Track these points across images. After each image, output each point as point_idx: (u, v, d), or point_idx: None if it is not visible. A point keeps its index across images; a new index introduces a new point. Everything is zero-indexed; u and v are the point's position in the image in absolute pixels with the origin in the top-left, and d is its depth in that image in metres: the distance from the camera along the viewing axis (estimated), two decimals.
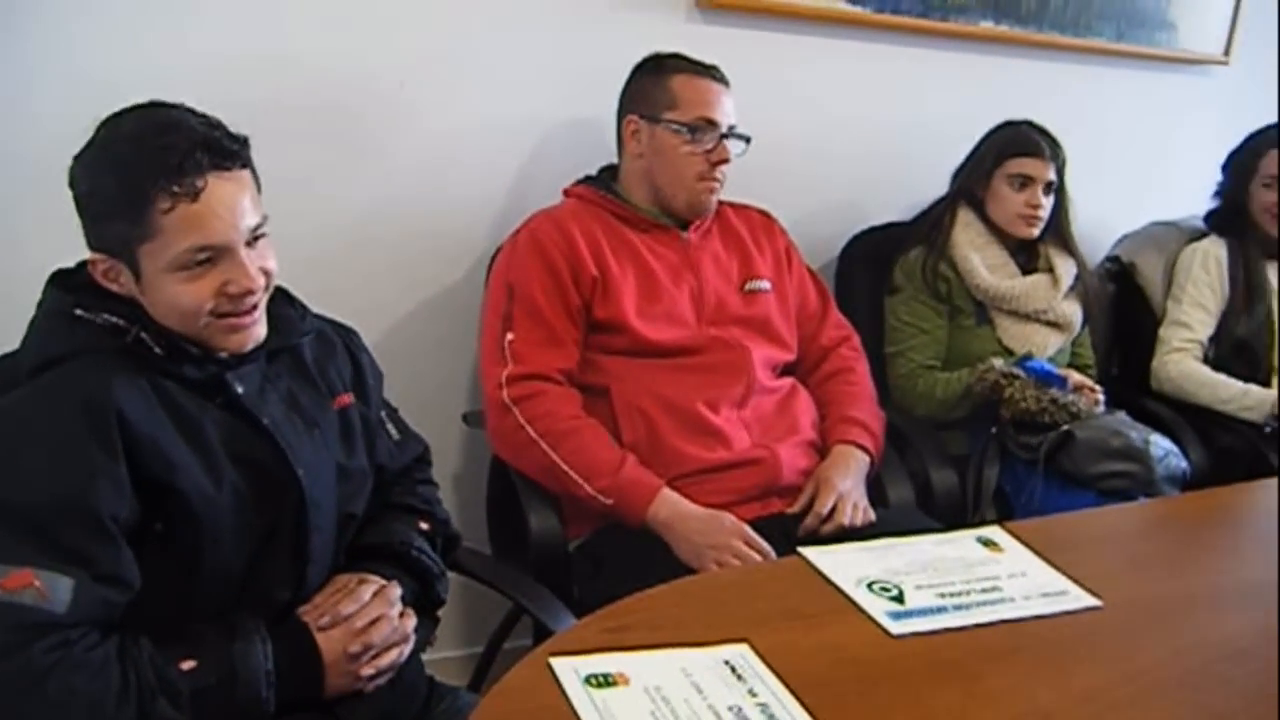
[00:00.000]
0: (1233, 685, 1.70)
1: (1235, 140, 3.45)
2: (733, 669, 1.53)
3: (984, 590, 1.85)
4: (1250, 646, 1.83)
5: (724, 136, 2.56)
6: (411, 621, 1.80)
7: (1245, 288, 3.35)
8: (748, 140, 2.60)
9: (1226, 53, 3.81)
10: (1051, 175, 3.02)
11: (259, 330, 1.68)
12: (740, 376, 2.53)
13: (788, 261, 2.76)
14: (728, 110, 2.57)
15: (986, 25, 3.31)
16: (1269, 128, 3.40)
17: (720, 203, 2.66)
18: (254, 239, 1.64)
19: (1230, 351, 3.35)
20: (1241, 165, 3.41)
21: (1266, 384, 3.30)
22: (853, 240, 3.21)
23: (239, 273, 1.61)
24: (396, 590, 1.79)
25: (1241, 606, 1.98)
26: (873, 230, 3.23)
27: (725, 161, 2.57)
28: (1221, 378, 3.27)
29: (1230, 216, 3.43)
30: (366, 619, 1.72)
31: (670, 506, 2.30)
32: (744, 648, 1.58)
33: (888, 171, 3.32)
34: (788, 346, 2.68)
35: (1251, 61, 3.83)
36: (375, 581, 1.78)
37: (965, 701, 1.56)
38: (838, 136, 3.23)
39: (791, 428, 2.56)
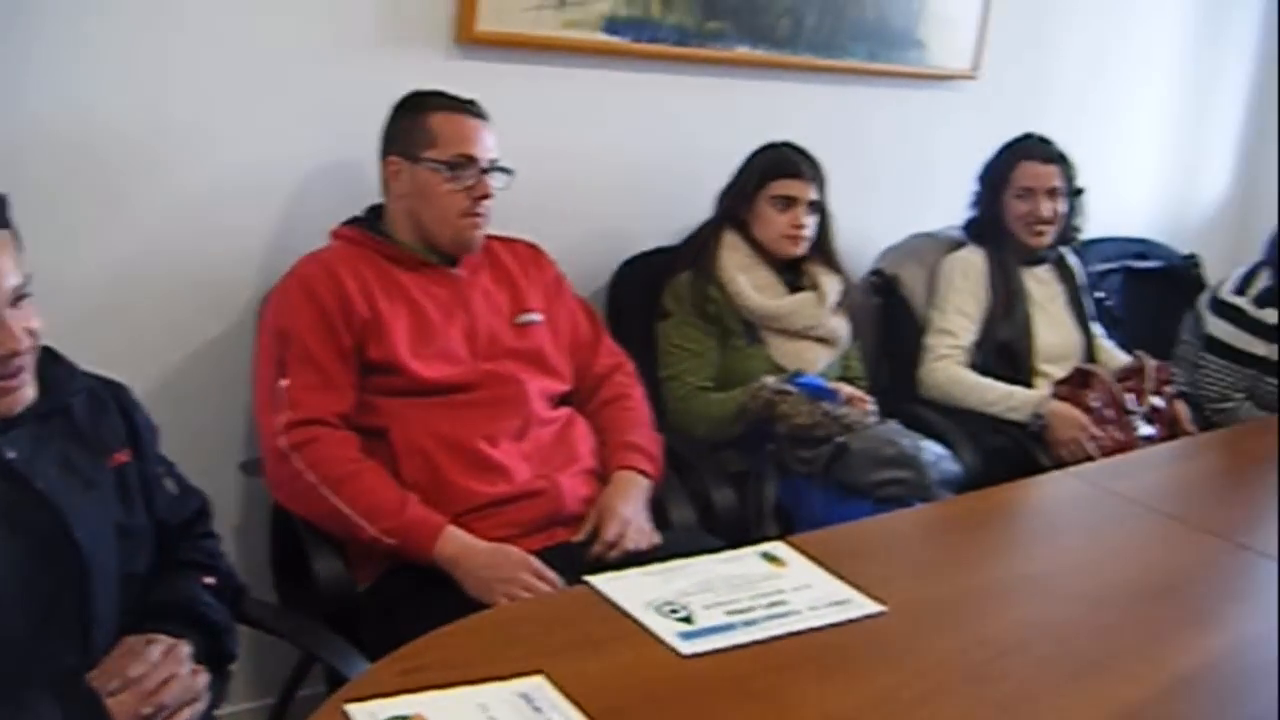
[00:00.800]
0: (1015, 677, 1.88)
1: (988, 152, 3.68)
2: (529, 701, 1.60)
3: (770, 605, 1.97)
4: (1030, 638, 2.02)
5: (485, 171, 2.64)
6: (203, 678, 1.82)
7: (1004, 293, 3.58)
8: (510, 173, 2.69)
9: (975, 68, 4.05)
10: (813, 194, 3.19)
11: (28, 393, 1.70)
12: (517, 409, 2.63)
13: (557, 292, 2.87)
14: (488, 145, 2.65)
15: (743, 50, 3.47)
16: (1020, 139, 3.66)
17: (488, 237, 2.74)
18: (17, 300, 1.66)
19: (993, 355, 3.58)
20: (995, 176, 3.66)
21: (1029, 385, 3.53)
22: (622, 267, 3.33)
23: (3, 335, 1.63)
24: (186, 648, 1.81)
25: (1020, 600, 2.17)
26: (641, 256, 3.36)
27: (488, 197, 2.65)
28: (986, 381, 3.48)
29: (987, 226, 3.67)
30: (157, 680, 1.74)
31: (456, 543, 2.37)
32: (539, 679, 1.65)
33: (654, 197, 3.45)
34: (562, 377, 2.78)
35: (998, 76, 4.10)
36: (164, 641, 1.79)
37: (759, 715, 1.68)
38: (602, 165, 3.34)
39: (571, 457, 2.66)
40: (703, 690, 1.73)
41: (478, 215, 2.65)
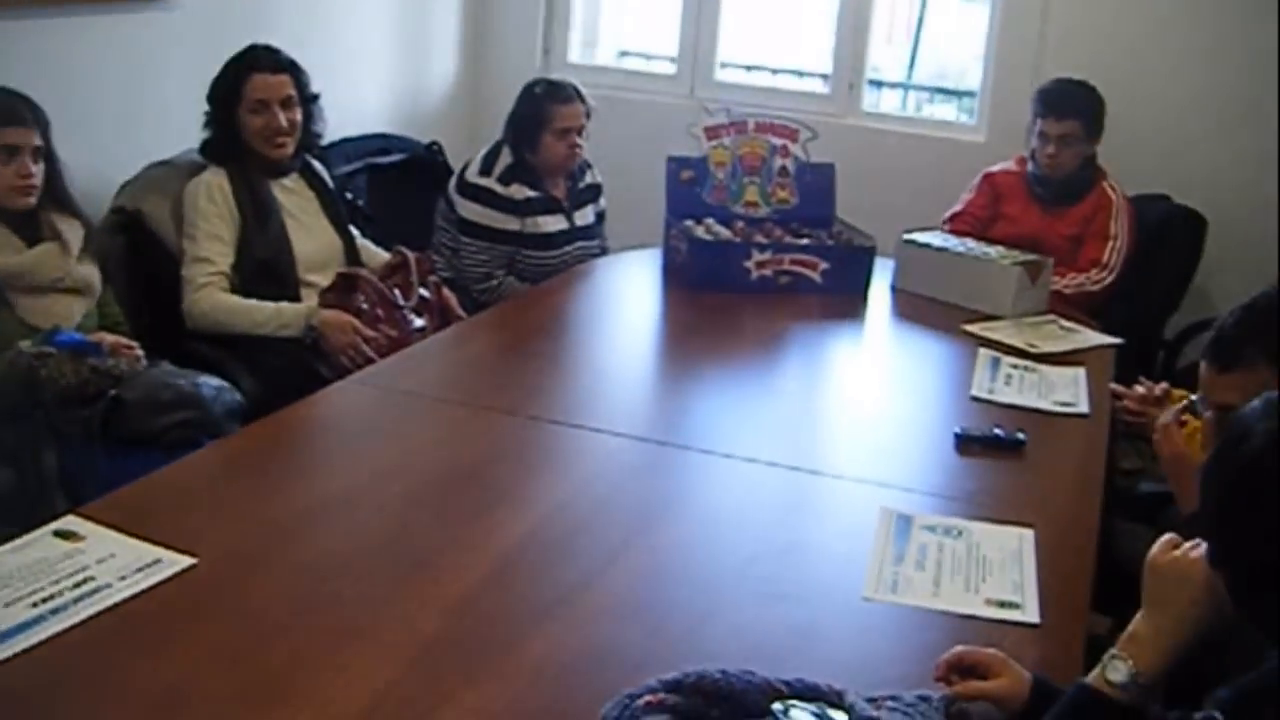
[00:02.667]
0: (345, 598, 2.02)
1: (213, 70, 3.67)
2: None
3: (77, 585, 1.95)
4: (352, 555, 2.18)
5: None
6: None
7: (254, 210, 3.65)
8: None
9: None
10: (36, 140, 3.10)
11: None
12: None
13: None
14: None
15: None
16: (246, 52, 3.69)
17: None
18: None
19: (255, 275, 3.66)
20: (225, 93, 3.69)
21: (297, 299, 3.61)
22: None
23: None
24: None
25: (332, 520, 2.31)
26: None
27: None
28: (253, 303, 3.57)
29: (225, 144, 3.71)
30: None
31: None
32: None
33: None
34: None
35: None
36: None
37: (96, 701, 1.69)
38: None
39: None
40: (31, 692, 1.70)
41: None
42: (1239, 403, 2.09)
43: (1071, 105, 4.43)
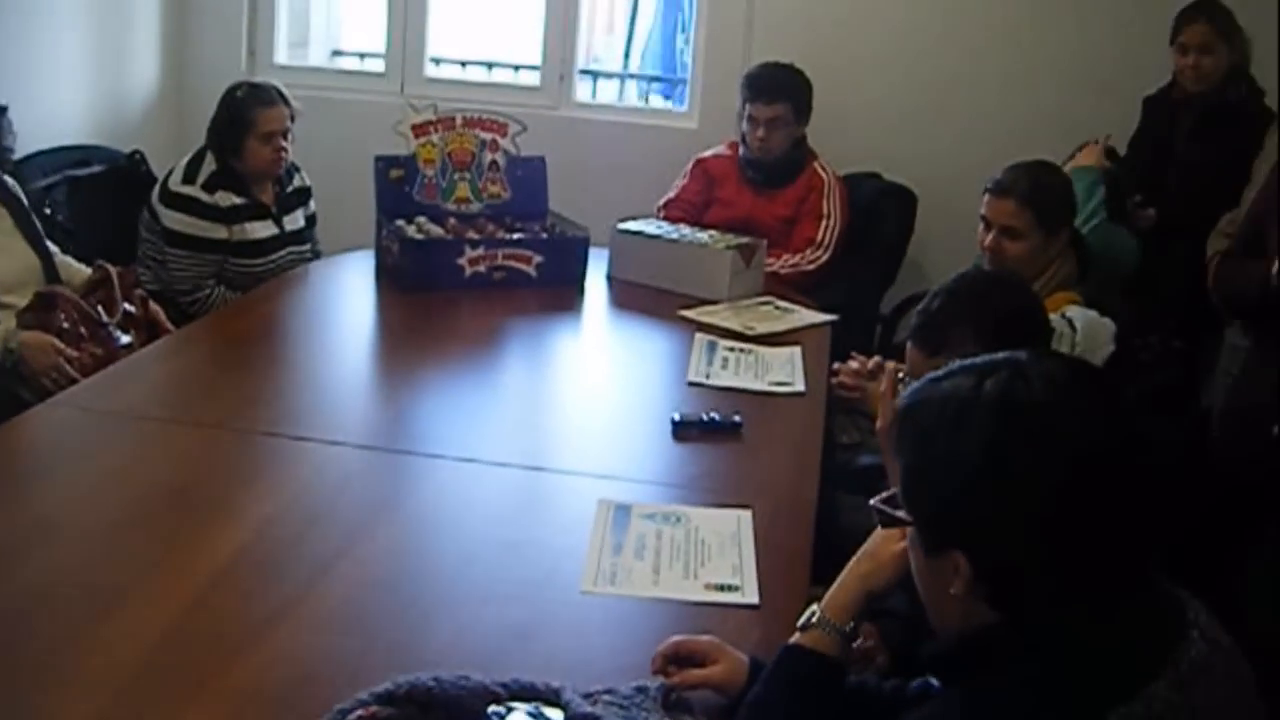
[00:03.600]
0: (44, 633, 1.93)
1: None
2: None
3: None
4: (54, 586, 2.07)
5: None
6: None
7: None
8: None
9: None
10: None
11: None
12: None
13: None
14: None
15: None
16: None
17: None
18: None
19: None
20: None
21: None
22: None
23: None
24: None
25: (33, 551, 2.23)
26: None
27: None
28: None
29: None
30: None
31: None
32: None
33: None
34: None
35: None
36: None
37: None
38: None
39: None
40: None
41: None
42: None
43: (779, 89, 4.53)
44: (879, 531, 1.75)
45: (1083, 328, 2.47)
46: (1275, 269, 2.52)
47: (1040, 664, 1.42)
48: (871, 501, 1.63)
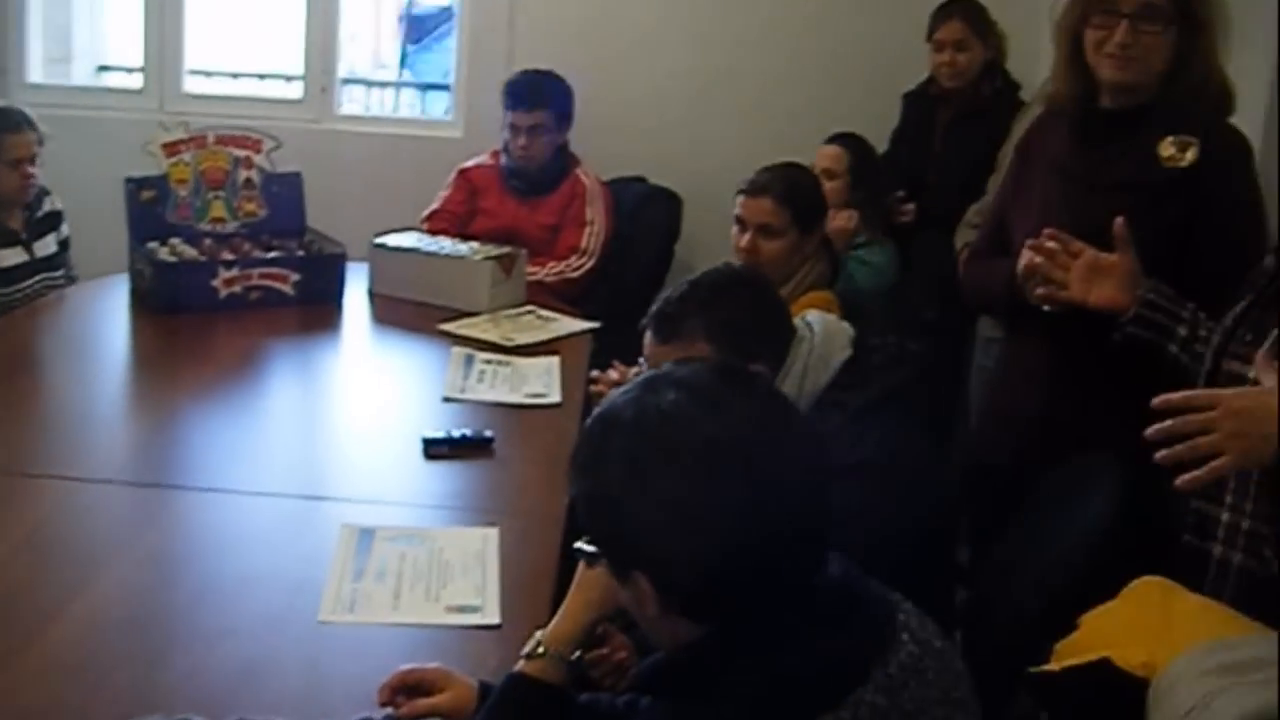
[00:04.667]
0: None
1: None
2: None
3: None
4: None
5: None
6: None
7: None
8: None
9: None
10: None
11: None
12: None
13: None
14: None
15: None
16: None
17: None
18: None
19: None
20: None
21: None
22: None
23: None
24: None
25: None
26: None
27: None
28: None
29: None
30: None
31: None
32: None
33: None
34: None
35: None
36: None
37: None
38: None
39: None
40: None
41: None
42: None
43: (539, 96, 4.53)
44: None
45: (820, 331, 2.50)
46: (1019, 266, 2.59)
47: (744, 675, 1.44)
48: (575, 544, 1.63)
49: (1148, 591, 1.90)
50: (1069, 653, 1.84)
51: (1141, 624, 1.81)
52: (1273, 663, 1.59)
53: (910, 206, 4.50)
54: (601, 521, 1.51)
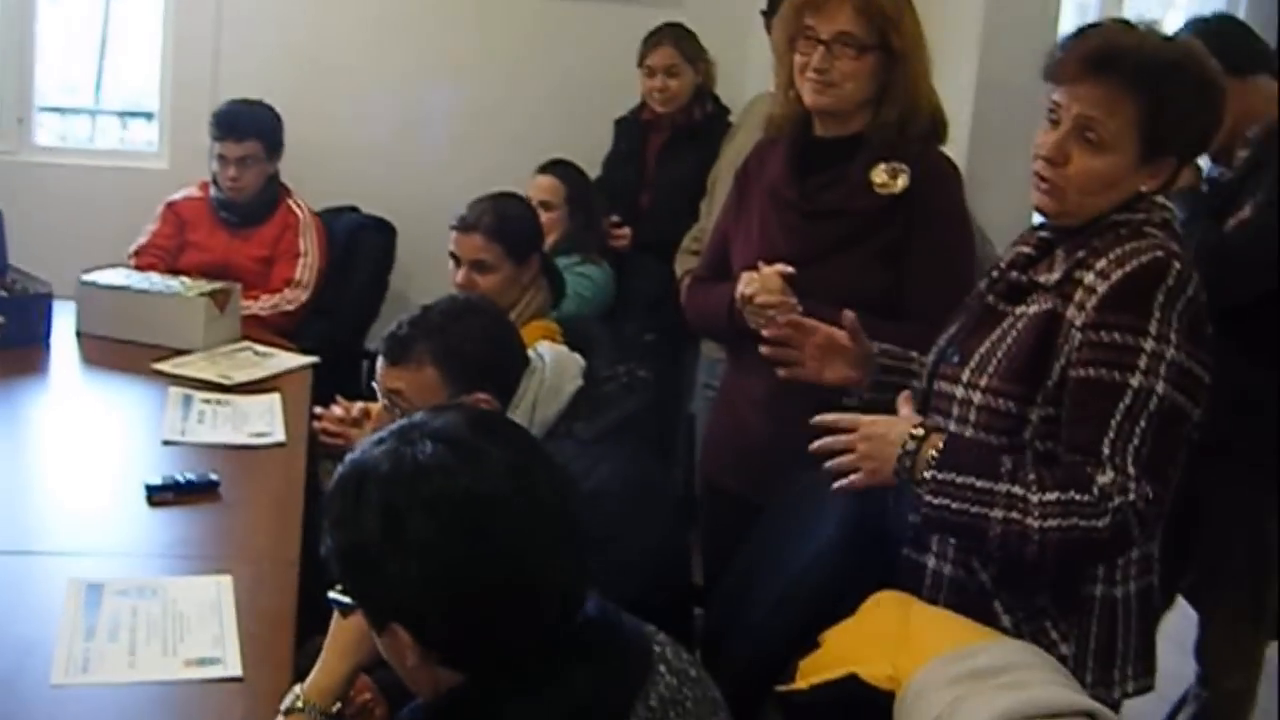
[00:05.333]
0: None
1: None
2: None
3: None
4: None
5: None
6: None
7: None
8: None
9: None
10: None
11: None
12: None
13: None
14: None
15: None
16: None
17: None
18: None
19: None
20: None
21: None
22: None
23: None
24: None
25: None
26: None
27: None
28: None
29: None
30: None
31: None
32: None
33: None
34: None
35: None
36: None
37: None
38: None
39: None
40: None
41: None
42: (406, 391, 2.27)
43: (248, 126, 4.47)
44: None
45: (551, 363, 2.55)
46: (738, 293, 2.69)
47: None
48: (329, 594, 1.64)
49: (886, 605, 2.01)
50: (813, 670, 1.94)
51: (882, 637, 1.91)
52: (1009, 668, 1.72)
53: (625, 231, 4.59)
54: (358, 574, 1.52)
